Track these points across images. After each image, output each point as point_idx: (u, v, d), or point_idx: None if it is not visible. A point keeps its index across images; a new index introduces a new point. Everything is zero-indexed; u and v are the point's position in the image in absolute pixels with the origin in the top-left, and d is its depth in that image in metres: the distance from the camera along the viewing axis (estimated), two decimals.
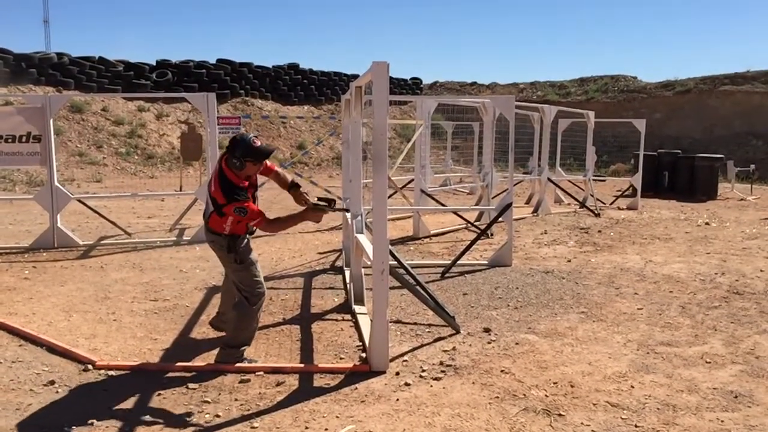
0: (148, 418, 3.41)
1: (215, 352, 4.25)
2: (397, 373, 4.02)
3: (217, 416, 3.44)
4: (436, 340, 4.66)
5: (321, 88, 26.37)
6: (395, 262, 4.97)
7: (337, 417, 3.43)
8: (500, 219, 7.37)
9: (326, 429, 3.30)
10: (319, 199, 4.39)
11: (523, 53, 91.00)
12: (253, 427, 3.32)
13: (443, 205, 10.40)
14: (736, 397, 3.74)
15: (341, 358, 4.32)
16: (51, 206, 8.02)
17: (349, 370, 4.06)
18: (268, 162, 4.27)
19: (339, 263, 7.23)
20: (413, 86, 30.15)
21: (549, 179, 12.09)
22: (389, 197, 4.94)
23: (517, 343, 4.62)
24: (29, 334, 4.65)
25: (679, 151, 17.03)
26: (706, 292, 6.14)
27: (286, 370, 4.06)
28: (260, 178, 4.37)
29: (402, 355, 4.35)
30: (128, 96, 20.83)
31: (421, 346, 4.55)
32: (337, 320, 5.20)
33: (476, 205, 11.02)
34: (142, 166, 19.08)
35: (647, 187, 14.10)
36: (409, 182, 11.77)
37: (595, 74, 29.81)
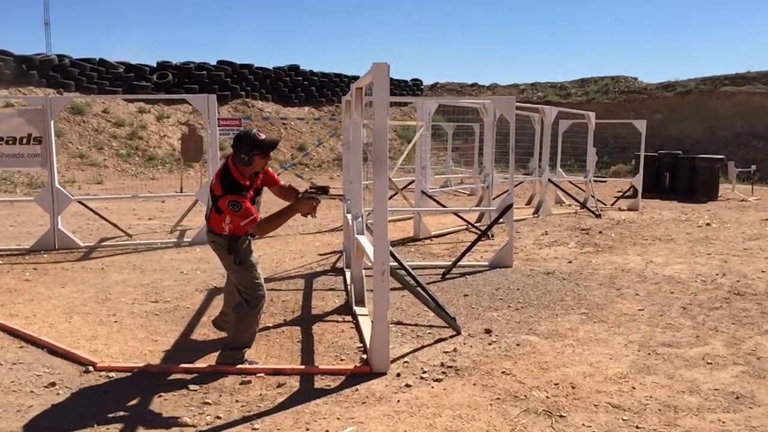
0: (148, 419, 3.41)
1: (216, 353, 4.25)
2: (398, 375, 4.02)
3: (218, 418, 3.43)
4: (437, 342, 4.66)
5: (321, 90, 26.38)
6: (396, 264, 4.97)
7: (338, 418, 3.43)
8: (501, 220, 7.37)
9: (327, 430, 3.30)
10: (311, 187, 4.32)
11: (524, 54, 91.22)
12: (254, 429, 3.31)
13: (444, 206, 10.40)
14: (737, 398, 3.73)
15: (342, 360, 4.32)
16: (52, 208, 8.02)
17: (349, 371, 4.06)
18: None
19: (340, 264, 7.23)
20: (414, 87, 30.16)
21: (550, 180, 12.08)
22: (390, 198, 4.94)
23: (518, 345, 4.62)
24: (30, 336, 4.65)
25: (680, 151, 17.03)
26: (707, 293, 6.13)
27: (287, 371, 4.06)
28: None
29: (403, 356, 4.34)
30: (129, 97, 20.84)
31: (422, 347, 4.55)
32: (337, 321, 5.20)
33: (477, 206, 11.01)
34: (143, 168, 19.09)
35: (648, 188, 14.09)
36: (410, 183, 11.77)
37: (595, 75, 29.79)
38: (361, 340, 4.66)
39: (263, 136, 4.06)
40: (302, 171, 19.40)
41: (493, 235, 9.02)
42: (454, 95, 29.64)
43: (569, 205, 13.16)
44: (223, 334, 4.58)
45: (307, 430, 3.31)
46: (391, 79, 4.07)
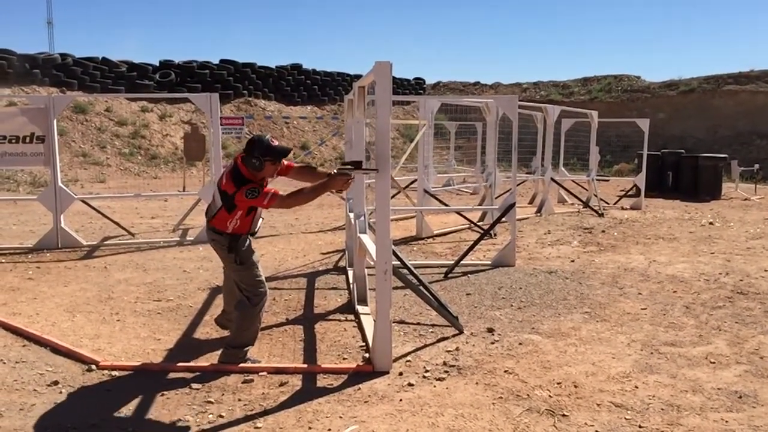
0: (151, 418, 3.42)
1: (218, 352, 4.25)
2: (401, 374, 4.02)
3: (221, 416, 3.44)
4: (439, 341, 4.66)
5: (324, 89, 26.40)
6: (398, 263, 4.97)
7: (341, 417, 3.43)
8: (503, 219, 7.37)
9: (329, 429, 3.30)
10: (344, 162, 4.28)
11: (526, 53, 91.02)
12: (256, 428, 3.31)
13: (446, 205, 10.40)
14: (740, 397, 3.72)
15: (344, 359, 4.32)
16: (54, 207, 8.03)
17: (352, 370, 4.06)
18: (285, 161, 4.20)
19: (342, 263, 7.23)
20: (416, 86, 30.15)
21: (552, 179, 12.07)
22: (392, 197, 4.94)
23: (520, 344, 4.62)
24: (33, 335, 4.66)
25: (683, 150, 16.99)
26: (710, 292, 6.12)
27: (290, 370, 4.06)
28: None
29: (405, 355, 4.34)
30: (131, 96, 20.89)
31: (425, 346, 4.54)
32: (340, 320, 5.20)
33: (479, 205, 11.00)
34: (146, 167, 19.12)
35: (651, 187, 14.07)
36: (412, 182, 11.76)
37: (598, 74, 29.78)
38: (364, 339, 4.66)
39: (276, 143, 4.01)
40: None
41: (495, 234, 9.01)
42: (456, 94, 29.63)
43: (572, 204, 13.15)
44: (226, 333, 4.58)
45: (310, 428, 3.31)
46: (394, 77, 4.08)
